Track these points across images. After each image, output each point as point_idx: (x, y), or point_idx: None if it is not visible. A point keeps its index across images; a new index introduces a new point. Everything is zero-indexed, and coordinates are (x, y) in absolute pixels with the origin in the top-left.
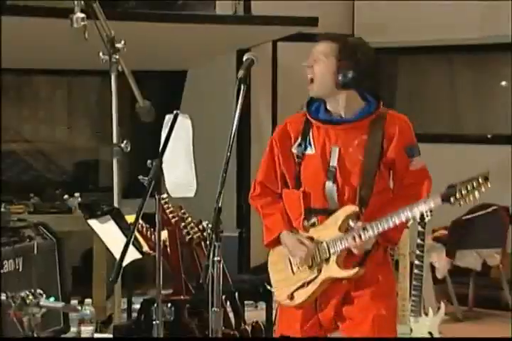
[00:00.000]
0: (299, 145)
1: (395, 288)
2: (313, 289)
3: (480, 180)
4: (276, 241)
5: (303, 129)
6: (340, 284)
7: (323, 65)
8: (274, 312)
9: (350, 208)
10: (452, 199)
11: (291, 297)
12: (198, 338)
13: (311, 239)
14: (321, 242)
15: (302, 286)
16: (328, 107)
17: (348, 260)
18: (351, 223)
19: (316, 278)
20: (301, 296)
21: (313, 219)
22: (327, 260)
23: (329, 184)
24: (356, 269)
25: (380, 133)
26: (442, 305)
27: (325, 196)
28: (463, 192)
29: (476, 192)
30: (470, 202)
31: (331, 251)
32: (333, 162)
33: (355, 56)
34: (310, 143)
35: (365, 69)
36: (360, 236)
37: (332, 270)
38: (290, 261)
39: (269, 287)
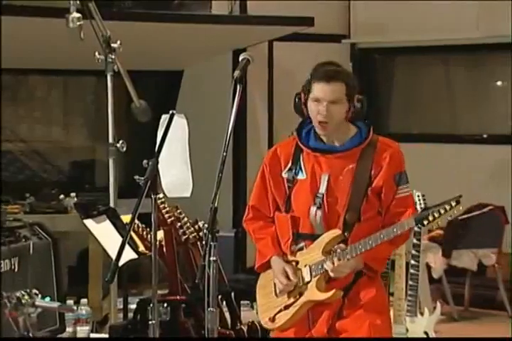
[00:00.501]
0: (290, 169)
1: (388, 305)
2: (293, 312)
3: (452, 203)
4: (267, 266)
5: (293, 154)
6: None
7: (339, 107)
8: None
9: (334, 232)
10: (425, 222)
11: (273, 319)
12: (194, 338)
13: (296, 262)
14: (305, 266)
15: (284, 309)
16: (321, 137)
17: (333, 283)
18: (335, 247)
19: (296, 301)
20: (281, 319)
21: (301, 244)
22: (308, 283)
23: (316, 210)
24: (333, 291)
25: (370, 162)
26: (438, 304)
27: (312, 221)
28: (435, 215)
29: (449, 215)
30: (442, 224)
31: (313, 274)
32: (322, 189)
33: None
34: (301, 169)
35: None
36: (339, 259)
37: (312, 293)
38: (275, 284)
39: (255, 311)
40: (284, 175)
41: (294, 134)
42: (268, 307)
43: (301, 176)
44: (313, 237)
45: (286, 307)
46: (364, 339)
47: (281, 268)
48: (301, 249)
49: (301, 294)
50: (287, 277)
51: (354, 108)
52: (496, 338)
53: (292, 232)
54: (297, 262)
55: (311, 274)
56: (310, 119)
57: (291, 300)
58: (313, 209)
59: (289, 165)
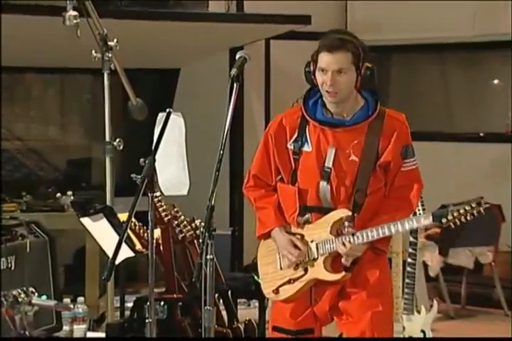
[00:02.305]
0: (295, 141)
1: (391, 282)
2: (299, 287)
3: (473, 204)
4: (268, 235)
5: (299, 125)
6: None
7: (346, 76)
8: (267, 309)
9: (343, 212)
10: (444, 220)
11: (277, 291)
12: (191, 337)
13: (302, 236)
14: (311, 241)
15: (288, 282)
16: (329, 107)
17: (338, 263)
18: (343, 227)
19: (302, 276)
20: (286, 292)
21: (307, 215)
22: (314, 260)
23: (323, 184)
24: (343, 273)
25: (378, 135)
26: (435, 303)
27: (319, 195)
28: (455, 214)
29: (468, 216)
30: (461, 223)
31: (320, 252)
32: (329, 163)
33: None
34: (307, 140)
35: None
36: (349, 242)
37: (319, 271)
38: (279, 255)
39: (256, 278)
40: (290, 146)
41: (300, 103)
42: (272, 277)
43: (306, 148)
44: (320, 210)
45: (291, 281)
46: (367, 339)
47: (288, 239)
48: (307, 220)
49: (306, 269)
50: (296, 247)
51: (362, 76)
52: (494, 338)
53: (299, 205)
54: (302, 235)
55: (317, 251)
56: (319, 88)
57: (297, 274)
58: (322, 183)
59: (295, 136)
